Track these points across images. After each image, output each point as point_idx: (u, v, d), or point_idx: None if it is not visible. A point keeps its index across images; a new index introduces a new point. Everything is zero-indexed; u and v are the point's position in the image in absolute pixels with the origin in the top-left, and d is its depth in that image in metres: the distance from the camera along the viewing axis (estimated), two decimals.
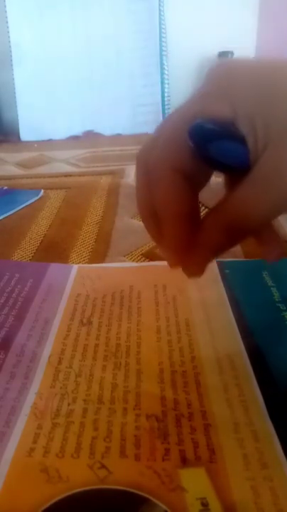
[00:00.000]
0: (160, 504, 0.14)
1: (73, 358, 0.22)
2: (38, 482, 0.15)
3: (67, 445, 0.17)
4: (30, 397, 0.19)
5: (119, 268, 0.31)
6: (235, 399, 0.19)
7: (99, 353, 0.22)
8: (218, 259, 0.30)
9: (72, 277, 0.29)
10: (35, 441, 0.17)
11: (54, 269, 0.30)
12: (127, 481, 0.15)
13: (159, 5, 0.94)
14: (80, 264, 0.32)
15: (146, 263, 0.32)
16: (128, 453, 0.16)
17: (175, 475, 0.15)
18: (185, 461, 0.16)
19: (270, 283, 0.27)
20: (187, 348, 0.22)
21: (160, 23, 0.94)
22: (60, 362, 0.21)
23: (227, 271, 0.29)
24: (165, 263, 0.31)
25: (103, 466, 0.16)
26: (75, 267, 0.31)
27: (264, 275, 0.28)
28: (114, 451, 0.16)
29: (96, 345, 0.23)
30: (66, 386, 0.20)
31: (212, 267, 0.29)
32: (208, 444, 0.16)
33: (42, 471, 0.16)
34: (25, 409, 0.18)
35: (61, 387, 0.20)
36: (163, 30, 0.94)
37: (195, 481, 0.15)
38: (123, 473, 0.15)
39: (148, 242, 0.36)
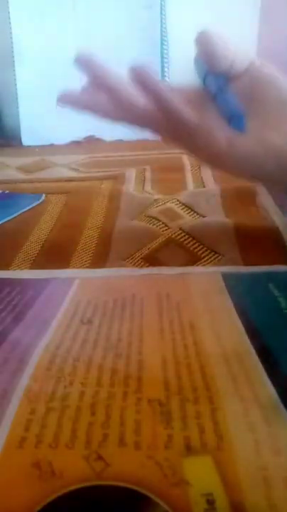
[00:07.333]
0: (162, 504, 0.13)
1: (71, 346, 0.21)
2: (30, 478, 0.14)
3: (61, 433, 0.15)
4: (24, 380, 0.18)
5: (121, 278, 0.30)
6: (244, 388, 0.17)
7: (99, 346, 0.21)
8: (222, 271, 0.30)
9: (74, 289, 0.28)
10: (27, 429, 0.16)
11: (54, 283, 0.29)
12: (126, 475, 0.14)
13: (161, 9, 0.95)
14: (81, 276, 0.31)
15: (148, 270, 0.32)
16: (127, 441, 0.15)
17: (178, 466, 0.14)
18: (189, 449, 0.15)
19: (276, 293, 0.26)
20: (192, 346, 0.21)
21: (161, 27, 0.95)
22: (57, 348, 0.20)
23: (232, 282, 0.28)
24: (167, 271, 0.31)
25: (100, 458, 0.14)
26: (76, 281, 0.30)
27: (270, 286, 0.27)
28: (112, 439, 0.15)
29: (96, 340, 0.22)
30: (63, 369, 0.19)
31: (217, 279, 0.29)
32: (215, 429, 0.15)
33: (34, 465, 0.14)
34: (18, 393, 0.17)
35: (57, 370, 0.19)
36: (164, 34, 0.95)
37: (200, 473, 0.14)
38: (122, 466, 0.14)
39: (148, 245, 0.36)
